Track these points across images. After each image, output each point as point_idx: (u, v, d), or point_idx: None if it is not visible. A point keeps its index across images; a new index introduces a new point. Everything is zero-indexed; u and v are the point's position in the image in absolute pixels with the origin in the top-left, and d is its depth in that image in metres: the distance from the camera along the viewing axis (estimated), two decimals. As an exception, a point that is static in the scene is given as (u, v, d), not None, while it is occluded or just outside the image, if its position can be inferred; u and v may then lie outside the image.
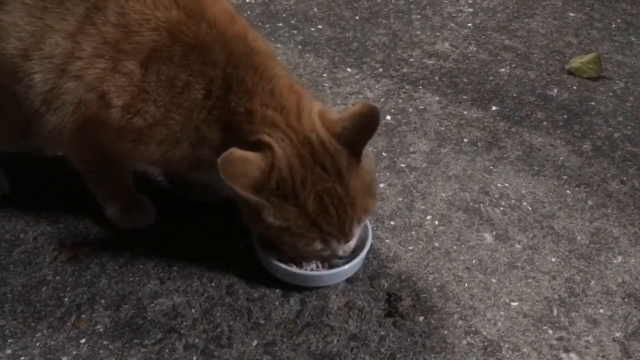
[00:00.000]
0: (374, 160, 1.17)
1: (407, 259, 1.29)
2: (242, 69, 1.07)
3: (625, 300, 1.23)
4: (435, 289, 1.23)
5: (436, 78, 1.82)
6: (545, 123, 1.68)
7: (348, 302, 1.20)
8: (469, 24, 2.09)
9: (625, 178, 1.51)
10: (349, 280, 1.23)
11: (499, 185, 1.47)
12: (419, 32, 2.03)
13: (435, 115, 1.68)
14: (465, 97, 1.76)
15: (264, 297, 1.20)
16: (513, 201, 1.43)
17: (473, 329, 1.16)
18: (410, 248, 1.31)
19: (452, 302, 1.21)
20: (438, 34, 2.03)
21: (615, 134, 1.65)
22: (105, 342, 1.11)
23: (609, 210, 1.42)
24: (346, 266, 1.19)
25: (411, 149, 1.56)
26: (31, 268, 1.22)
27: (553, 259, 1.31)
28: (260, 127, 1.06)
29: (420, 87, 1.78)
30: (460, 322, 1.17)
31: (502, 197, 1.44)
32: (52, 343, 1.10)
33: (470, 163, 1.53)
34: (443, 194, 1.44)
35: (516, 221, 1.38)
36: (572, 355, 1.13)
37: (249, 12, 2.06)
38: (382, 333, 1.15)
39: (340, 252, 1.17)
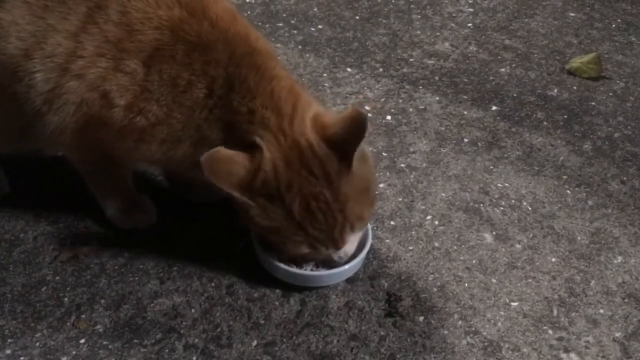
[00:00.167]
0: (373, 166, 1.15)
1: (407, 259, 1.29)
2: (245, 68, 1.07)
3: (625, 300, 1.23)
4: (435, 289, 1.23)
5: (436, 78, 1.82)
6: (545, 123, 1.68)
7: (348, 302, 1.20)
8: (469, 24, 2.09)
9: (625, 178, 1.51)
10: (349, 280, 1.23)
11: (499, 185, 1.47)
12: (419, 32, 2.03)
13: (436, 115, 1.67)
14: (465, 97, 1.76)
15: (264, 297, 1.19)
16: (513, 201, 1.43)
17: (473, 329, 1.16)
18: (410, 248, 1.31)
19: (452, 302, 1.21)
20: (438, 34, 2.03)
21: (616, 134, 1.65)
22: (105, 342, 1.10)
23: (609, 210, 1.42)
24: (346, 266, 1.19)
25: (411, 149, 1.56)
26: (31, 268, 1.22)
27: (553, 259, 1.31)
28: (257, 128, 1.06)
29: (421, 87, 1.78)
30: (460, 322, 1.17)
31: (502, 197, 1.44)
32: (52, 343, 1.10)
33: (470, 163, 1.53)
34: (443, 194, 1.44)
35: (516, 221, 1.38)
36: (572, 355, 1.13)
37: (249, 12, 2.06)
38: (382, 333, 1.15)
39: (335, 258, 1.16)
